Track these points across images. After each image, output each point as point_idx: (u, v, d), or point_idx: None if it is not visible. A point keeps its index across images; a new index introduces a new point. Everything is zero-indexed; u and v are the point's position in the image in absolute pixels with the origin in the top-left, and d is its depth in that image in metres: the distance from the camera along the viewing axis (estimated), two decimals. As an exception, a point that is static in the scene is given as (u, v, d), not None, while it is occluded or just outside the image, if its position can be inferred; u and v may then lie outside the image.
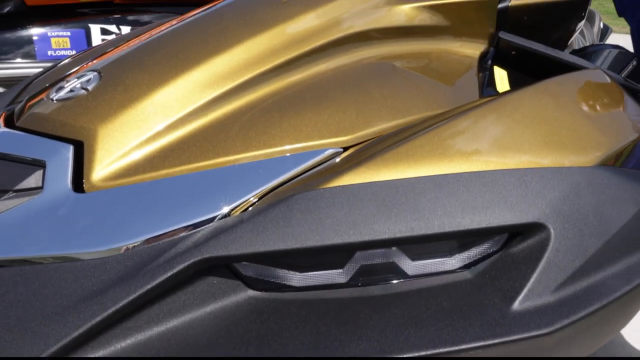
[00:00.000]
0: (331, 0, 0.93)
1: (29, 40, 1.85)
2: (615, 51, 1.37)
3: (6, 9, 1.81)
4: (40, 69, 1.78)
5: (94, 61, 0.95)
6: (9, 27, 1.84)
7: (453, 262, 0.67)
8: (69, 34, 1.91)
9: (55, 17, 1.91)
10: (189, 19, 0.99)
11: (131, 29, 2.01)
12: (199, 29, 0.92)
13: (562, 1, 1.21)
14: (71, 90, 0.81)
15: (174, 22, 1.04)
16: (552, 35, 1.28)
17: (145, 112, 0.74)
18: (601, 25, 2.23)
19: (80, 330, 0.54)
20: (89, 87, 0.79)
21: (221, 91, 0.78)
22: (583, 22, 1.40)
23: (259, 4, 0.98)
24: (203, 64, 0.80)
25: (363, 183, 0.65)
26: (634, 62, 1.33)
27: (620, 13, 1.64)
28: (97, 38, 1.95)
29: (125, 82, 0.79)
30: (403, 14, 0.97)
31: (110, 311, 0.55)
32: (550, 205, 0.67)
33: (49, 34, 1.87)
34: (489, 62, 1.06)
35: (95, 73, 0.83)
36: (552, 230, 0.65)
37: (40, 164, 0.70)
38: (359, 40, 0.92)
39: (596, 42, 2.29)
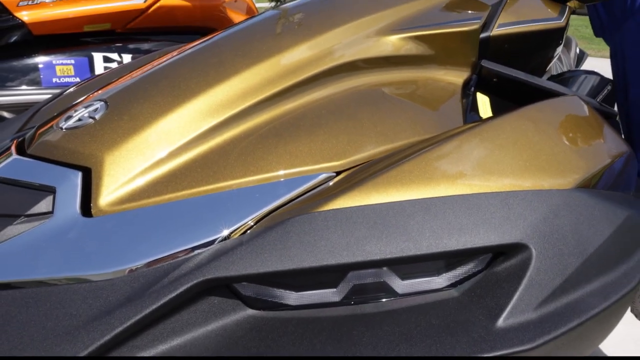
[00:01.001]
0: (322, 32, 0.95)
1: (34, 68, 1.87)
2: (591, 77, 1.39)
3: (13, 38, 1.83)
4: (45, 96, 1.82)
5: (100, 90, 0.97)
6: (15, 55, 1.86)
7: (440, 280, 0.68)
8: (73, 61, 1.93)
9: (60, 46, 1.93)
10: (189, 50, 1.01)
11: (132, 57, 2.06)
12: (199, 60, 0.93)
13: (540, 30, 1.24)
14: (79, 119, 0.82)
15: (175, 52, 1.05)
16: (532, 62, 1.31)
17: (149, 140, 0.76)
18: (577, 51, 2.28)
19: (90, 349, 0.55)
20: (96, 116, 0.81)
21: (220, 119, 0.79)
22: (560, 48, 1.44)
23: (254, 35, 1.01)
24: (203, 93, 0.82)
25: (355, 206, 0.66)
26: (609, 87, 1.37)
27: (598, 34, 1.71)
28: (99, 65, 1.98)
29: (130, 111, 0.81)
30: (390, 44, 0.99)
31: (118, 330, 0.56)
32: (531, 226, 0.68)
33: (53, 61, 1.90)
34: (472, 88, 1.08)
35: (102, 102, 0.85)
36: (533, 250, 0.67)
37: (50, 190, 0.71)
38: (349, 70, 0.94)
39: (573, 66, 2.33)
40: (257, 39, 0.98)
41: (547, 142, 0.82)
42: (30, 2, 1.79)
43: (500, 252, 0.68)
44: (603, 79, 1.40)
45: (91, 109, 0.84)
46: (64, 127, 0.81)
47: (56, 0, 1.84)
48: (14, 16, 1.77)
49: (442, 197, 0.69)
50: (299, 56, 0.91)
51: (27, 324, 0.57)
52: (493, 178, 0.72)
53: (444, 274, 0.68)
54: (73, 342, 0.55)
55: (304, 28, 1.01)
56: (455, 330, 0.62)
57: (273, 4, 17.12)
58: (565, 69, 2.09)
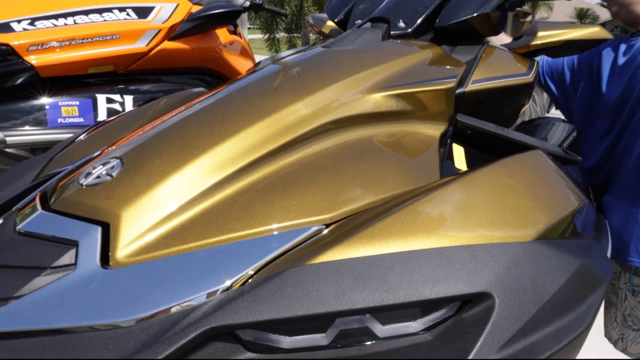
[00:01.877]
0: (313, 92, 1.00)
1: (40, 109, 1.92)
2: (559, 124, 1.44)
3: (20, 80, 1.89)
4: (52, 136, 1.89)
5: (114, 145, 1.03)
6: (23, 97, 1.91)
7: (416, 325, 0.73)
8: (77, 103, 1.98)
9: (65, 87, 1.99)
10: (196, 107, 1.05)
11: (133, 98, 2.12)
12: (204, 118, 0.98)
13: (511, 85, 1.29)
14: (98, 177, 0.86)
15: (183, 108, 1.12)
16: (504, 112, 1.36)
17: (160, 196, 0.80)
18: (547, 99, 2.31)
19: None
20: (113, 174, 0.85)
21: (223, 176, 0.84)
22: (529, 100, 1.49)
23: (253, 94, 1.05)
24: (208, 152, 0.86)
25: (342, 259, 0.71)
26: (574, 134, 1.41)
27: (556, 107, 1.86)
28: (102, 106, 2.03)
29: (143, 169, 0.85)
30: (375, 101, 1.04)
31: None
32: (495, 276, 0.73)
33: (59, 103, 1.95)
34: (448, 140, 1.13)
35: (118, 160, 0.89)
36: (496, 299, 0.72)
37: (73, 244, 0.75)
38: (338, 126, 0.98)
39: (546, 105, 2.38)
40: (255, 97, 1.03)
41: (512, 197, 0.87)
42: (39, 47, 1.85)
43: (467, 300, 0.73)
44: (569, 126, 1.46)
45: (108, 166, 0.88)
46: (84, 184, 0.85)
47: (63, 45, 1.90)
48: (23, 60, 1.84)
49: (418, 250, 0.74)
50: (293, 115, 0.95)
51: None
52: (463, 232, 0.78)
53: (419, 319, 0.73)
54: None
55: (297, 87, 1.05)
56: None
57: (266, 36, 17.37)
58: (539, 110, 2.22)
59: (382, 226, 0.76)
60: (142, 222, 0.76)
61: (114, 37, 2.03)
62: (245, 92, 1.09)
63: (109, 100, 2.07)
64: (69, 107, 1.98)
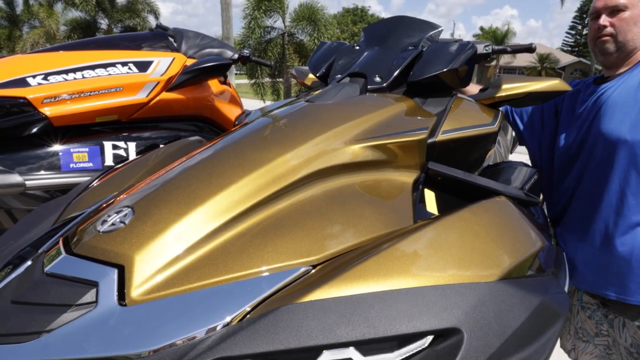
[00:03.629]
0: (299, 145, 1.08)
1: (54, 155, 2.04)
2: (521, 168, 1.51)
3: (35, 129, 2.02)
4: (65, 179, 1.99)
5: (125, 194, 1.11)
6: (38, 144, 2.04)
7: (393, 356, 0.78)
8: (87, 149, 2.11)
9: (75, 135, 2.12)
10: (197, 159, 1.14)
11: (136, 144, 2.25)
12: (204, 170, 1.06)
13: (477, 135, 1.37)
14: (113, 224, 0.93)
15: (185, 159, 1.20)
16: (472, 157, 1.45)
17: (167, 241, 0.87)
18: (513, 134, 2.41)
19: None
20: (126, 221, 0.92)
21: (222, 222, 0.92)
22: (494, 146, 1.59)
23: (246, 146, 1.14)
24: (209, 201, 0.94)
25: (328, 298, 0.78)
26: (535, 177, 1.48)
27: (521, 142, 1.95)
28: (109, 153, 2.15)
29: (152, 217, 0.92)
30: (353, 152, 1.12)
31: None
32: (463, 313, 0.79)
33: (71, 150, 2.07)
34: (420, 186, 1.20)
35: (130, 209, 0.96)
36: (465, 333, 0.78)
37: (94, 284, 0.82)
38: (321, 176, 1.06)
39: (509, 147, 2.51)
40: (248, 150, 1.11)
41: (479, 240, 0.94)
42: (52, 100, 2.00)
43: (439, 335, 0.79)
44: (530, 170, 1.54)
45: (121, 214, 0.96)
46: (100, 230, 0.93)
47: (73, 97, 2.05)
48: (38, 111, 1.98)
49: (395, 290, 0.81)
50: (282, 166, 1.03)
51: None
52: (434, 272, 0.85)
53: (396, 351, 0.78)
54: None
55: (285, 140, 1.12)
56: None
57: (252, 81, 17.80)
58: (502, 151, 2.32)
59: (363, 268, 0.83)
60: (153, 264, 0.84)
61: (117, 89, 2.18)
62: (240, 144, 1.17)
63: (115, 147, 2.20)
64: (79, 153, 2.10)
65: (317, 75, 1.75)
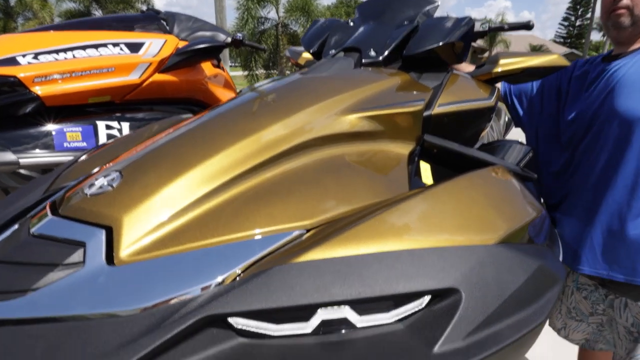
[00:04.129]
0: (292, 114, 1.05)
1: (48, 134, 2.02)
2: (516, 145, 1.47)
3: (29, 109, 2.00)
4: (58, 158, 1.97)
5: (114, 161, 1.08)
6: (31, 124, 2.02)
7: (390, 317, 0.77)
8: (80, 129, 2.09)
9: (69, 115, 2.10)
10: (186, 128, 1.11)
11: (129, 125, 2.23)
12: (194, 137, 1.04)
13: (474, 109, 1.35)
14: (100, 187, 0.91)
15: (172, 129, 1.17)
16: (467, 134, 1.41)
17: (156, 203, 0.84)
18: (506, 119, 2.47)
19: None
20: (114, 185, 0.90)
21: (213, 187, 0.89)
22: (491, 122, 1.57)
23: (237, 115, 1.11)
24: (198, 166, 0.91)
25: (323, 259, 0.76)
26: (531, 154, 1.45)
27: (517, 125, 1.88)
28: (102, 132, 2.14)
29: (141, 180, 0.90)
30: (349, 122, 1.09)
31: (141, 354, 0.65)
32: (461, 274, 0.78)
33: (64, 129, 2.06)
34: (416, 158, 1.17)
35: (118, 173, 0.94)
36: (463, 294, 0.76)
37: (81, 244, 0.80)
38: (316, 144, 1.03)
39: (502, 132, 2.47)
40: (240, 118, 1.08)
41: (476, 206, 0.93)
42: (43, 79, 1.97)
43: (437, 295, 0.78)
44: (526, 147, 1.51)
45: (109, 178, 0.93)
46: (88, 193, 0.90)
47: (65, 77, 2.03)
48: (29, 90, 1.95)
49: (392, 251, 0.79)
50: (275, 134, 1.00)
51: (74, 349, 0.67)
52: (431, 236, 0.83)
53: (393, 311, 0.77)
54: None
55: (277, 109, 1.10)
56: (401, 355, 0.72)
57: (246, 72, 17.73)
58: (495, 135, 2.27)
59: (359, 230, 0.81)
60: (141, 225, 0.82)
61: (109, 69, 2.16)
62: (230, 114, 1.15)
63: (108, 127, 2.19)
64: (73, 133, 2.09)
65: (311, 51, 1.73)
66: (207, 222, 0.84)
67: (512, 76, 1.52)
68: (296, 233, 0.83)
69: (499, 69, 1.48)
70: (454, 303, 0.76)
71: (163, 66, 2.37)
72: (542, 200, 1.55)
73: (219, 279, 0.75)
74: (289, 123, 1.04)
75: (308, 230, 0.84)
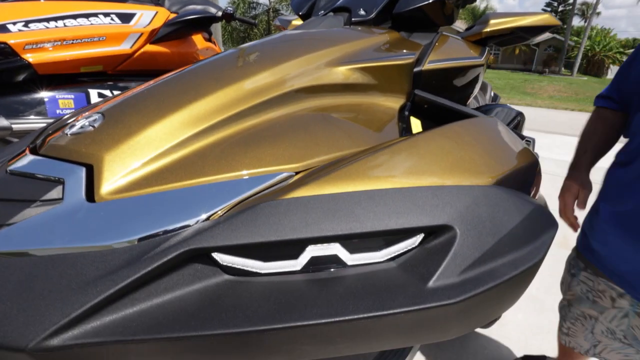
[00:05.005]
0: (281, 62, 1.04)
1: (40, 102, 2.00)
2: (505, 109, 1.51)
3: (22, 77, 1.98)
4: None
5: (98, 107, 1.04)
6: (25, 91, 1.99)
7: (382, 255, 0.75)
8: (72, 96, 2.07)
9: (61, 83, 2.08)
10: (172, 75, 1.09)
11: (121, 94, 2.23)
12: (181, 82, 1.01)
13: (464, 66, 1.35)
14: (81, 127, 0.89)
15: (160, 78, 1.14)
16: (456, 94, 1.42)
17: (139, 143, 0.82)
18: (492, 94, 2.47)
19: (98, 299, 0.63)
20: (95, 125, 0.88)
21: (198, 129, 0.87)
22: (479, 85, 1.57)
23: (226, 65, 1.09)
24: (184, 108, 0.89)
25: (312, 195, 0.74)
26: (519, 118, 1.48)
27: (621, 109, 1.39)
28: (95, 100, 2.11)
29: (124, 121, 0.87)
30: (339, 73, 1.08)
31: (120, 285, 0.64)
32: (456, 212, 0.76)
33: (56, 96, 2.03)
34: (407, 113, 1.17)
35: (100, 114, 0.92)
36: (457, 231, 0.75)
37: (59, 181, 0.78)
38: (305, 93, 1.02)
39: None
40: (228, 67, 1.07)
41: (470, 149, 0.91)
42: (34, 46, 1.94)
43: (430, 232, 0.76)
44: (515, 111, 1.53)
45: (91, 119, 0.91)
46: (68, 133, 0.88)
47: (56, 45, 1.99)
48: (21, 57, 1.92)
49: (383, 189, 0.77)
50: (262, 81, 0.99)
51: (48, 281, 0.65)
52: (425, 176, 0.81)
53: (384, 250, 0.75)
54: (84, 293, 0.63)
55: (266, 59, 1.08)
56: (394, 290, 0.70)
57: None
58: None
59: (350, 170, 0.79)
60: (123, 164, 0.80)
61: (100, 38, 2.13)
62: (219, 62, 1.13)
63: (101, 95, 2.16)
64: (65, 100, 2.06)
65: (300, 13, 1.72)
66: (192, 163, 0.82)
67: (503, 37, 1.52)
68: (284, 175, 0.81)
69: (488, 29, 1.49)
70: (448, 240, 0.75)
71: (154, 37, 2.35)
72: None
73: (204, 216, 0.73)
74: (278, 71, 1.03)
75: (297, 173, 0.82)
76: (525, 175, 0.99)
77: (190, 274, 0.70)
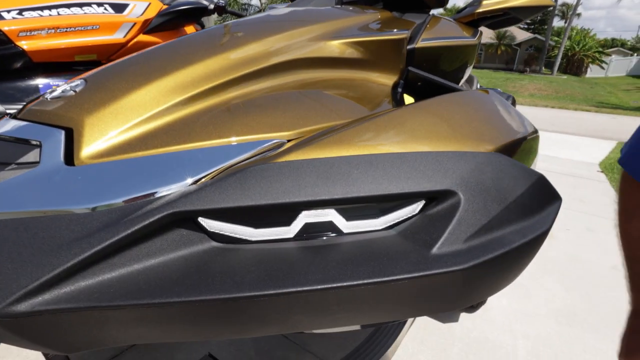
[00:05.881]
0: (274, 34, 1.03)
1: (35, 89, 2.00)
2: (496, 92, 1.43)
3: (17, 64, 1.97)
4: None
5: (82, 75, 1.01)
6: (20, 77, 1.99)
7: (380, 222, 0.72)
8: None
9: (55, 71, 2.07)
10: (160, 45, 1.08)
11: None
12: (170, 50, 0.99)
13: (457, 45, 1.34)
14: (63, 91, 0.86)
15: (148, 48, 1.12)
16: (448, 74, 1.39)
17: (123, 108, 0.79)
18: (478, 86, 2.47)
19: (71, 263, 0.59)
20: (77, 90, 0.85)
21: (185, 96, 0.84)
22: (470, 68, 1.57)
23: (217, 35, 1.08)
24: (172, 74, 0.86)
25: (305, 159, 0.70)
26: (510, 100, 1.48)
27: None
28: None
29: (107, 86, 0.84)
30: (332, 47, 1.06)
31: (96, 249, 0.60)
32: (459, 177, 0.72)
33: (51, 83, 2.03)
34: (400, 90, 1.16)
35: (83, 80, 0.89)
36: (461, 196, 0.71)
37: (37, 144, 0.75)
38: (296, 66, 0.99)
39: None
40: (219, 37, 1.05)
41: (471, 118, 0.88)
42: (28, 33, 1.93)
43: (432, 198, 0.73)
44: (507, 94, 1.55)
45: (73, 84, 0.88)
46: (48, 97, 0.86)
47: (49, 33, 1.99)
48: (15, 44, 1.91)
49: (383, 153, 0.73)
50: (253, 51, 0.96)
51: (18, 244, 0.62)
52: (425, 142, 0.77)
53: (383, 217, 0.72)
54: (56, 256, 0.60)
55: (257, 32, 1.06)
56: (395, 257, 0.66)
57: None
58: None
59: (346, 135, 0.75)
60: (105, 128, 0.76)
61: (94, 27, 2.12)
62: (208, 34, 1.11)
63: (95, 83, 2.15)
64: (60, 87, 2.05)
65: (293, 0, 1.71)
66: (178, 129, 0.78)
67: (495, 18, 1.51)
68: (275, 141, 0.77)
69: (481, 10, 1.48)
70: (451, 206, 0.71)
71: (147, 27, 2.35)
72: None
73: (190, 180, 0.69)
74: (269, 42, 1.00)
75: (289, 141, 0.78)
76: (526, 146, 0.95)
77: (175, 240, 0.67)
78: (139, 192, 0.67)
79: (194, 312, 0.61)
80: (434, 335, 1.94)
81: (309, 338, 1.81)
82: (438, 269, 0.64)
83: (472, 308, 2.04)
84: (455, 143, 0.79)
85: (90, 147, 0.74)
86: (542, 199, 0.82)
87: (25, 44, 1.95)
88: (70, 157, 0.73)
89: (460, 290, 0.69)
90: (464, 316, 2.08)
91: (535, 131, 1.03)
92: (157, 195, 0.67)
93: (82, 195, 0.67)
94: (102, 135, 0.75)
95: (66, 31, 2.04)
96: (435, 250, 0.67)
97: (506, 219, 0.73)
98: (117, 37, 2.22)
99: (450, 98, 0.93)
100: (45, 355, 1.09)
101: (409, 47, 1.21)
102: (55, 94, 0.86)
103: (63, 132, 0.76)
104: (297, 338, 1.81)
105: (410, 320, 1.32)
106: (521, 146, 0.92)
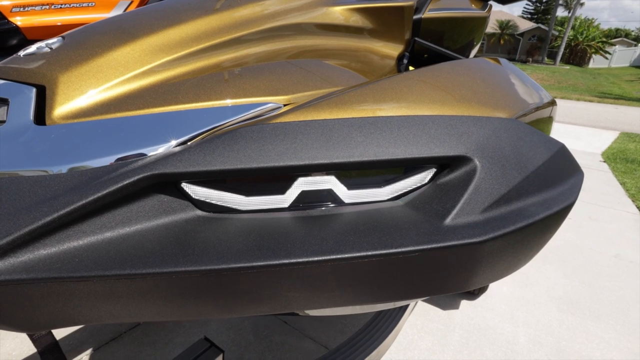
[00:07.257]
0: None
1: None
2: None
3: (11, 41, 1.92)
4: None
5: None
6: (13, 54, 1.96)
7: (386, 192, 0.66)
8: None
9: None
10: (151, 4, 0.99)
11: None
12: (157, 10, 0.92)
13: (465, 17, 1.28)
14: (37, 49, 0.81)
15: (136, 9, 1.04)
16: (456, 47, 1.34)
17: (103, 67, 0.73)
18: None
19: (31, 226, 0.53)
20: (53, 47, 0.79)
21: (173, 57, 0.78)
22: (478, 45, 1.51)
23: None
24: (158, 33, 0.80)
25: (303, 121, 0.64)
26: None
27: None
28: None
29: (86, 43, 0.78)
30: (335, 13, 1.00)
31: (61, 212, 0.54)
32: (475, 143, 0.66)
33: None
34: (405, 61, 1.09)
35: (60, 38, 0.83)
36: (477, 163, 0.65)
37: (4, 102, 0.70)
38: (296, 30, 0.93)
39: None
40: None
41: (484, 83, 0.82)
42: (21, 9, 1.88)
43: (444, 166, 0.67)
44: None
45: (49, 42, 0.82)
46: (22, 54, 0.80)
47: (44, 9, 1.94)
48: (8, 20, 1.86)
49: (389, 116, 0.67)
50: (250, 12, 0.90)
51: None
52: (436, 106, 0.71)
53: (389, 187, 0.66)
54: (14, 220, 0.53)
55: None
56: (404, 228, 0.60)
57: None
58: None
59: (348, 97, 0.69)
60: (81, 87, 0.71)
61: (89, 4, 2.07)
62: None
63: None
64: (55, 65, 2.01)
65: None
66: (164, 91, 0.71)
67: None
68: (271, 105, 0.71)
69: None
70: (467, 174, 0.65)
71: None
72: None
73: (173, 142, 0.63)
74: (268, 4, 0.93)
75: (285, 105, 0.72)
76: (544, 114, 0.89)
77: (154, 207, 0.61)
78: (115, 154, 0.61)
79: (171, 287, 0.56)
80: (434, 322, 1.91)
81: (309, 324, 1.78)
82: (452, 241, 0.58)
83: (473, 295, 2.01)
84: (469, 108, 0.73)
85: (64, 106, 0.68)
86: (564, 170, 0.77)
87: (19, 20, 1.91)
88: (41, 116, 0.68)
89: (477, 266, 0.63)
90: (465, 302, 2.05)
91: (553, 101, 0.96)
92: (135, 158, 0.60)
93: (50, 156, 0.61)
94: (78, 94, 0.70)
95: (61, 7, 2.00)
96: (448, 221, 0.61)
97: (528, 189, 0.68)
98: (113, 14, 2.16)
99: (462, 62, 0.88)
100: (30, 336, 1.03)
101: (415, 17, 1.15)
102: (29, 50, 0.80)
103: (34, 90, 0.71)
104: (296, 323, 1.78)
105: (411, 305, 1.28)
106: (538, 114, 0.86)
